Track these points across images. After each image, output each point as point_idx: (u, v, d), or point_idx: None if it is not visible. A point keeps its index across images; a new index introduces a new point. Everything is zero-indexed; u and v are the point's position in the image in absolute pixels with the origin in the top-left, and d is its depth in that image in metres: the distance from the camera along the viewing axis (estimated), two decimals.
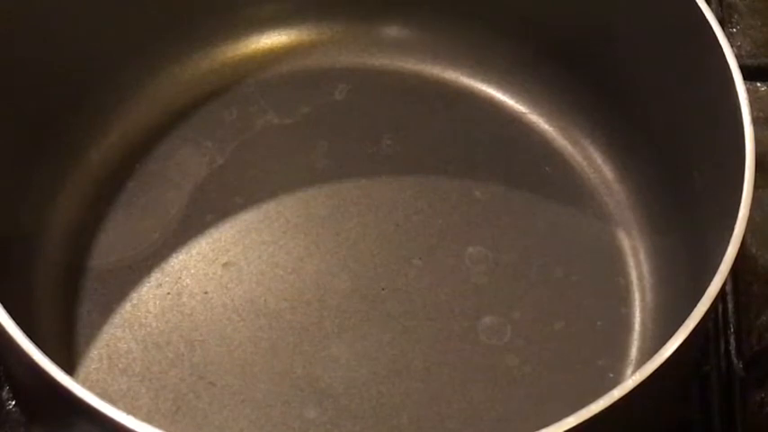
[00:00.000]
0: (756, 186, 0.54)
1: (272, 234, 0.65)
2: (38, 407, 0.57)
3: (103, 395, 0.49)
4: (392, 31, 0.71)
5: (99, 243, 0.64)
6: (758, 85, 0.75)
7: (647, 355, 0.60)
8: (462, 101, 0.70)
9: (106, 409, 0.47)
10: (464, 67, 0.70)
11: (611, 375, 0.61)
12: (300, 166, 0.67)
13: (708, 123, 0.59)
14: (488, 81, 0.70)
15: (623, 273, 0.64)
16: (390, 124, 0.69)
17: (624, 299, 0.63)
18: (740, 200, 0.53)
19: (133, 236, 0.65)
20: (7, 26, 0.61)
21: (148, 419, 0.49)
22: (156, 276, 0.63)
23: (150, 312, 0.62)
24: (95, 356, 0.61)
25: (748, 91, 0.56)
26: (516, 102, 0.70)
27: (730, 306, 0.66)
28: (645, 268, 0.64)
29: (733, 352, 0.65)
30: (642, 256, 0.65)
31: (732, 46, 0.57)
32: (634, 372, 0.52)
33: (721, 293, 0.62)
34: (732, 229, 0.52)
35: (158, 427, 0.46)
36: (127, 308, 0.63)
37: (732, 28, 0.77)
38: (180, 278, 0.64)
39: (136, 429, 0.46)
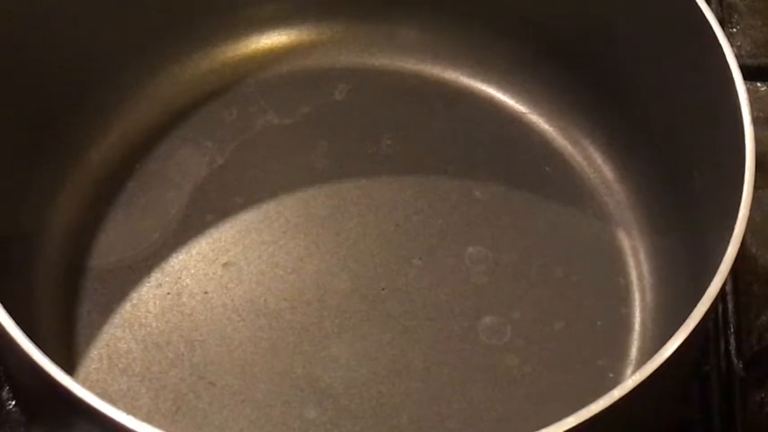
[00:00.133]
0: (756, 186, 0.54)
1: (272, 234, 0.65)
2: (38, 407, 0.57)
3: (103, 395, 0.49)
4: (392, 30, 0.71)
5: (99, 243, 0.64)
6: (758, 85, 0.75)
7: (647, 355, 0.60)
8: (462, 101, 0.70)
9: (106, 409, 0.47)
10: (464, 67, 0.70)
11: (611, 375, 0.61)
12: (300, 166, 0.67)
13: (708, 123, 0.59)
14: (488, 81, 0.70)
15: (623, 273, 0.64)
16: (390, 124, 0.69)
17: (624, 299, 0.63)
18: (740, 200, 0.53)
19: (133, 236, 0.65)
20: (7, 26, 0.61)
21: (148, 419, 0.49)
22: (156, 276, 0.63)
23: (150, 312, 0.62)
24: (95, 356, 0.61)
25: (748, 91, 0.56)
26: (516, 102, 0.70)
27: (730, 306, 0.66)
28: (645, 268, 0.64)
29: (733, 352, 0.65)
30: (642, 256, 0.65)
31: (732, 46, 0.57)
32: (634, 372, 0.52)
33: (721, 293, 0.62)
34: (732, 229, 0.52)
35: (158, 427, 0.46)
36: (127, 308, 0.63)
37: (732, 28, 0.77)
38: (180, 278, 0.64)
39: (136, 429, 0.46)
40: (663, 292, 0.63)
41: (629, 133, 0.66)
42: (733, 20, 0.77)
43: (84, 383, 0.50)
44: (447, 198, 0.66)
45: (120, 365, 0.61)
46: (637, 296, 0.64)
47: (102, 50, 0.66)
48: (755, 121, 0.56)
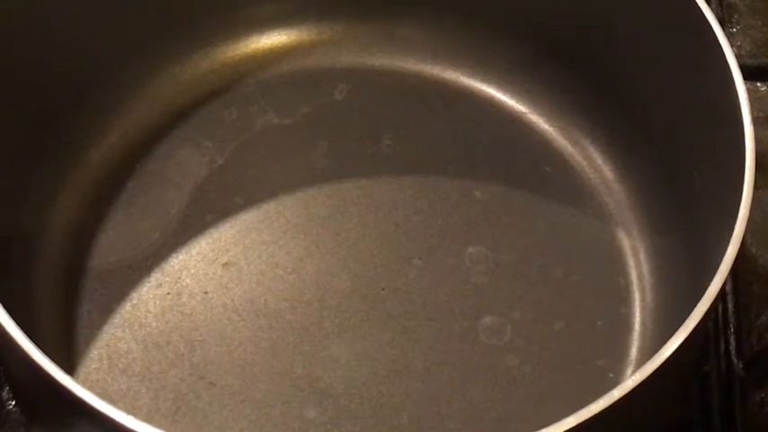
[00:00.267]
0: (756, 186, 0.54)
1: (272, 234, 0.65)
2: (38, 407, 0.57)
3: (103, 395, 0.49)
4: (392, 30, 0.71)
5: (99, 243, 0.64)
6: (758, 85, 0.75)
7: (647, 355, 0.60)
8: (462, 101, 0.70)
9: (106, 409, 0.47)
10: (464, 67, 0.70)
11: (611, 375, 0.61)
12: (300, 166, 0.67)
13: (708, 123, 0.59)
14: (488, 81, 0.70)
15: (623, 273, 0.64)
16: (390, 124, 0.69)
17: (624, 299, 0.63)
18: (740, 200, 0.53)
19: (133, 236, 0.65)
20: (7, 26, 0.61)
21: (148, 419, 0.49)
22: (156, 276, 0.63)
23: (150, 312, 0.62)
24: (95, 356, 0.61)
25: (748, 91, 0.56)
26: (516, 102, 0.70)
27: (730, 306, 0.66)
28: (645, 268, 0.64)
29: (733, 352, 0.65)
30: (642, 256, 0.65)
31: (732, 46, 0.57)
32: (634, 372, 0.52)
33: (721, 293, 0.62)
34: (732, 229, 0.52)
35: (158, 427, 0.46)
36: (127, 308, 0.63)
37: (732, 28, 0.77)
38: (180, 278, 0.64)
39: (136, 429, 0.46)
40: (663, 292, 0.63)
41: (629, 133, 0.66)
42: (733, 20, 0.77)
43: (84, 383, 0.50)
44: (447, 198, 0.66)
45: (120, 365, 0.61)
46: (637, 296, 0.64)
47: (102, 50, 0.66)
48: (755, 121, 0.56)
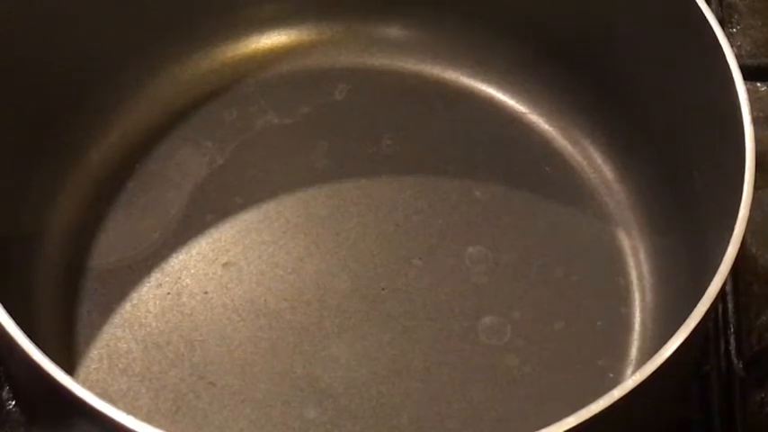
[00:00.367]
0: (756, 186, 0.54)
1: (272, 234, 0.65)
2: (38, 407, 0.57)
3: (103, 395, 0.49)
4: (392, 31, 0.71)
5: (99, 243, 0.64)
6: (758, 85, 0.75)
7: (647, 355, 0.60)
8: (462, 101, 0.70)
9: (106, 409, 0.47)
10: (464, 67, 0.70)
11: (611, 375, 0.61)
12: (300, 166, 0.67)
13: (708, 123, 0.59)
14: (488, 81, 0.70)
15: (623, 273, 0.64)
16: (390, 124, 0.69)
17: (624, 299, 0.63)
18: (740, 200, 0.53)
19: (133, 236, 0.65)
20: (7, 26, 0.61)
21: (148, 419, 0.49)
22: (156, 276, 0.63)
23: (150, 312, 0.62)
24: (95, 356, 0.61)
25: (748, 91, 0.56)
26: (516, 102, 0.70)
27: (730, 306, 0.66)
28: (645, 268, 0.64)
29: (733, 352, 0.65)
30: (642, 256, 0.65)
31: (732, 46, 0.57)
32: (634, 372, 0.52)
33: (721, 293, 0.62)
34: (732, 229, 0.52)
35: (158, 427, 0.46)
36: (127, 308, 0.63)
37: (732, 28, 0.77)
38: (180, 278, 0.64)
39: (136, 429, 0.46)
40: (663, 292, 0.63)
41: (629, 133, 0.66)
42: (733, 20, 0.77)
43: (84, 383, 0.50)
44: (447, 198, 0.66)
45: (120, 365, 0.61)
46: (637, 296, 0.64)
47: (102, 50, 0.66)
48: (755, 121, 0.56)
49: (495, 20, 0.69)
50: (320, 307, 0.63)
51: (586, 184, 0.67)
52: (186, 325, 0.62)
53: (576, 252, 0.65)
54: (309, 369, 0.61)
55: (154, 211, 0.65)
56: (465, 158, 0.68)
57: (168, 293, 0.63)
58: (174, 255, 0.64)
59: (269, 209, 0.66)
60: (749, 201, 0.53)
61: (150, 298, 0.63)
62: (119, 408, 0.47)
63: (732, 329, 0.66)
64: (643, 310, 0.63)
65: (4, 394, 0.63)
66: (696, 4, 0.58)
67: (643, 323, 0.63)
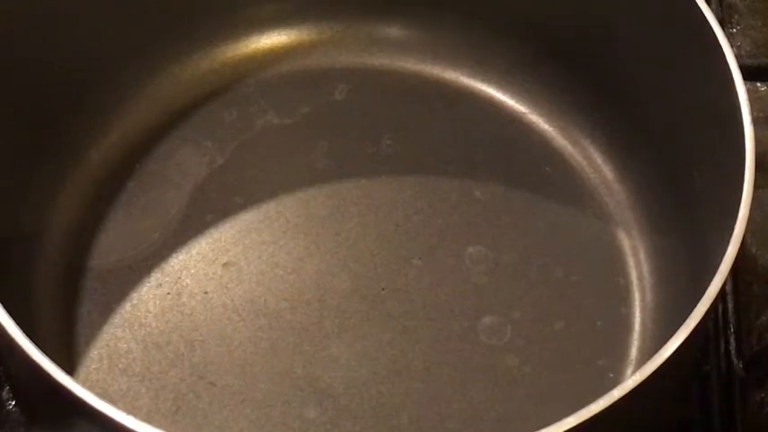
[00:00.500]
0: (756, 186, 0.54)
1: (272, 234, 0.65)
2: (38, 407, 0.57)
3: (103, 395, 0.49)
4: (392, 31, 0.71)
5: (99, 243, 0.64)
6: (758, 85, 0.75)
7: (647, 355, 0.60)
8: (462, 101, 0.70)
9: (106, 409, 0.47)
10: (464, 67, 0.70)
11: (611, 375, 0.61)
12: (300, 166, 0.67)
13: (708, 123, 0.59)
14: (488, 81, 0.70)
15: (623, 273, 0.64)
16: (390, 124, 0.69)
17: (624, 299, 0.63)
18: (740, 200, 0.53)
19: (133, 236, 0.65)
20: (7, 26, 0.61)
21: (148, 419, 0.49)
22: (156, 276, 0.63)
23: (150, 312, 0.62)
24: (95, 356, 0.61)
25: (748, 91, 0.56)
26: (516, 102, 0.70)
27: (730, 306, 0.66)
28: (645, 268, 0.64)
29: (733, 352, 0.65)
30: (642, 256, 0.65)
31: (732, 46, 0.57)
32: (634, 372, 0.52)
33: (721, 293, 0.62)
34: (732, 229, 0.52)
35: (158, 427, 0.46)
36: (127, 308, 0.63)
37: (732, 28, 0.77)
38: (180, 278, 0.64)
39: (136, 429, 0.46)
40: (663, 292, 0.63)
41: (629, 133, 0.66)
42: (733, 20, 0.77)
43: (84, 383, 0.50)
44: (447, 198, 0.66)
45: (120, 365, 0.61)
46: (637, 296, 0.64)
47: (102, 50, 0.66)
48: (755, 121, 0.56)
49: (495, 20, 0.69)
50: (320, 307, 0.63)
51: (586, 184, 0.67)
52: (186, 325, 0.62)
53: (576, 252, 0.65)
54: (309, 369, 0.61)
55: (154, 211, 0.65)
56: (465, 158, 0.68)
57: (168, 293, 0.63)
58: (174, 255, 0.64)
59: (269, 209, 0.66)
60: (749, 201, 0.53)
61: (150, 298, 0.63)
62: (119, 408, 0.47)
63: (732, 329, 0.66)
64: (643, 310, 0.63)
65: (4, 394, 0.63)
66: (696, 4, 0.58)
67: (643, 323, 0.63)
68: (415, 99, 0.70)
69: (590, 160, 0.68)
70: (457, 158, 0.68)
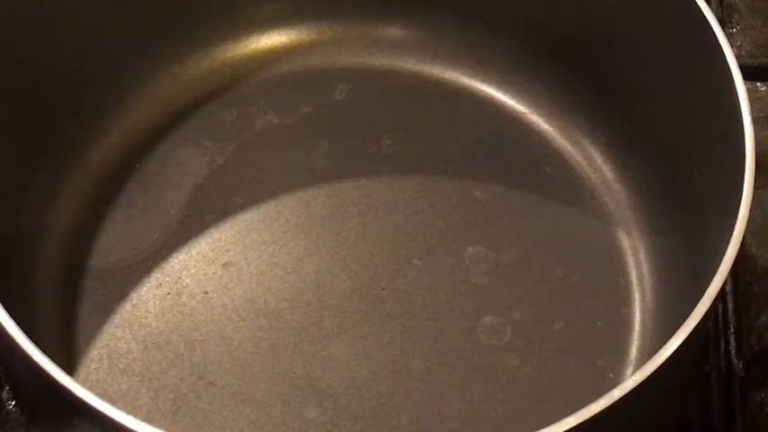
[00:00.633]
0: (756, 186, 0.54)
1: (272, 234, 0.65)
2: (38, 407, 0.57)
3: (103, 395, 0.49)
4: (392, 31, 0.71)
5: (99, 243, 0.64)
6: (758, 85, 0.75)
7: (647, 355, 0.60)
8: (462, 101, 0.70)
9: (106, 409, 0.47)
10: (464, 67, 0.70)
11: (611, 375, 0.61)
12: (300, 166, 0.67)
13: (708, 123, 0.59)
14: (488, 81, 0.70)
15: (623, 273, 0.64)
16: (390, 124, 0.69)
17: (624, 299, 0.63)
18: (740, 200, 0.53)
19: (133, 236, 0.65)
20: (7, 26, 0.61)
21: (148, 419, 0.49)
22: (156, 276, 0.63)
23: (150, 312, 0.62)
24: (95, 356, 0.61)
25: (748, 91, 0.56)
26: (516, 102, 0.70)
27: (730, 306, 0.66)
28: (645, 268, 0.64)
29: (733, 352, 0.65)
30: (642, 256, 0.65)
31: (732, 46, 0.57)
32: (634, 372, 0.52)
33: (721, 293, 0.62)
34: (732, 229, 0.52)
35: (158, 427, 0.46)
36: (127, 308, 0.63)
37: (732, 28, 0.77)
38: (180, 278, 0.64)
39: (136, 429, 0.46)
40: (663, 292, 0.63)
41: (629, 133, 0.66)
42: (733, 20, 0.77)
43: (84, 383, 0.50)
44: (447, 198, 0.66)
45: (120, 365, 0.61)
46: (637, 296, 0.64)
47: (102, 50, 0.66)
48: (755, 121, 0.56)
49: (495, 20, 0.69)
50: (320, 307, 0.63)
51: (586, 184, 0.67)
52: (186, 325, 0.62)
53: (576, 252, 0.65)
54: (309, 369, 0.61)
55: (154, 211, 0.65)
56: (465, 158, 0.68)
57: (168, 293, 0.63)
58: (174, 255, 0.64)
59: (269, 209, 0.66)
60: (749, 201, 0.53)
61: (150, 298, 0.63)
62: (119, 408, 0.47)
63: (732, 329, 0.66)
64: (643, 310, 0.63)
65: (4, 394, 0.63)
66: (696, 4, 0.58)
67: (643, 323, 0.63)
68: (415, 99, 0.70)
69: (590, 160, 0.68)
70: (457, 158, 0.68)
